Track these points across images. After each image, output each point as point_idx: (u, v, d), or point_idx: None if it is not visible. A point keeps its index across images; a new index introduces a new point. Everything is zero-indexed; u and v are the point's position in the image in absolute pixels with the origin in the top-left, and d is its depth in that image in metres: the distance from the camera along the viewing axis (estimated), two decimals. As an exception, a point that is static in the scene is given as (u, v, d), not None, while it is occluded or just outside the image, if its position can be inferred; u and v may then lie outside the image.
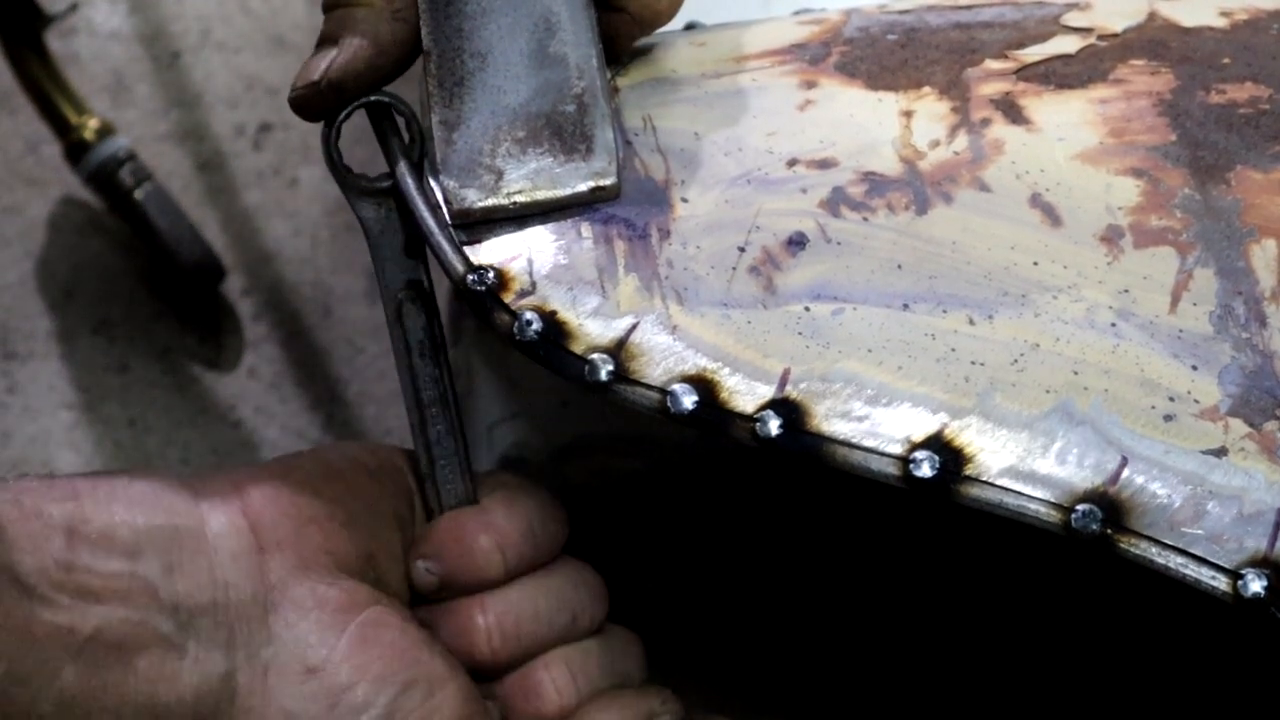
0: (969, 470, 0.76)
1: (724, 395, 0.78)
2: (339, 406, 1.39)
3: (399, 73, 0.84)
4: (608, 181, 0.82)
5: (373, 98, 0.84)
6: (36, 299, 1.42)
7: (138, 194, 1.43)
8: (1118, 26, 0.89)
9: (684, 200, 0.82)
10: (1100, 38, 0.88)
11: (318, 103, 0.83)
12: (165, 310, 1.42)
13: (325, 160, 0.85)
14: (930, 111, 0.85)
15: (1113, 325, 0.79)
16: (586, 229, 0.81)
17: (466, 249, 0.82)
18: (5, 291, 1.42)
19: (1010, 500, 0.76)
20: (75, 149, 1.43)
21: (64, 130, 1.44)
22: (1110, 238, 0.81)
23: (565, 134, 0.83)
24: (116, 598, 0.77)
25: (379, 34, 0.82)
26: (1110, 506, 0.75)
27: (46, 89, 1.44)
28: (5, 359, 1.40)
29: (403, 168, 0.83)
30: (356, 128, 0.85)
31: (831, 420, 0.78)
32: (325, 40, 0.83)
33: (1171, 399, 0.77)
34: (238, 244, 1.45)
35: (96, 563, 0.77)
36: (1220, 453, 0.76)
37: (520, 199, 0.82)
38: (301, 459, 0.86)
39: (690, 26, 0.93)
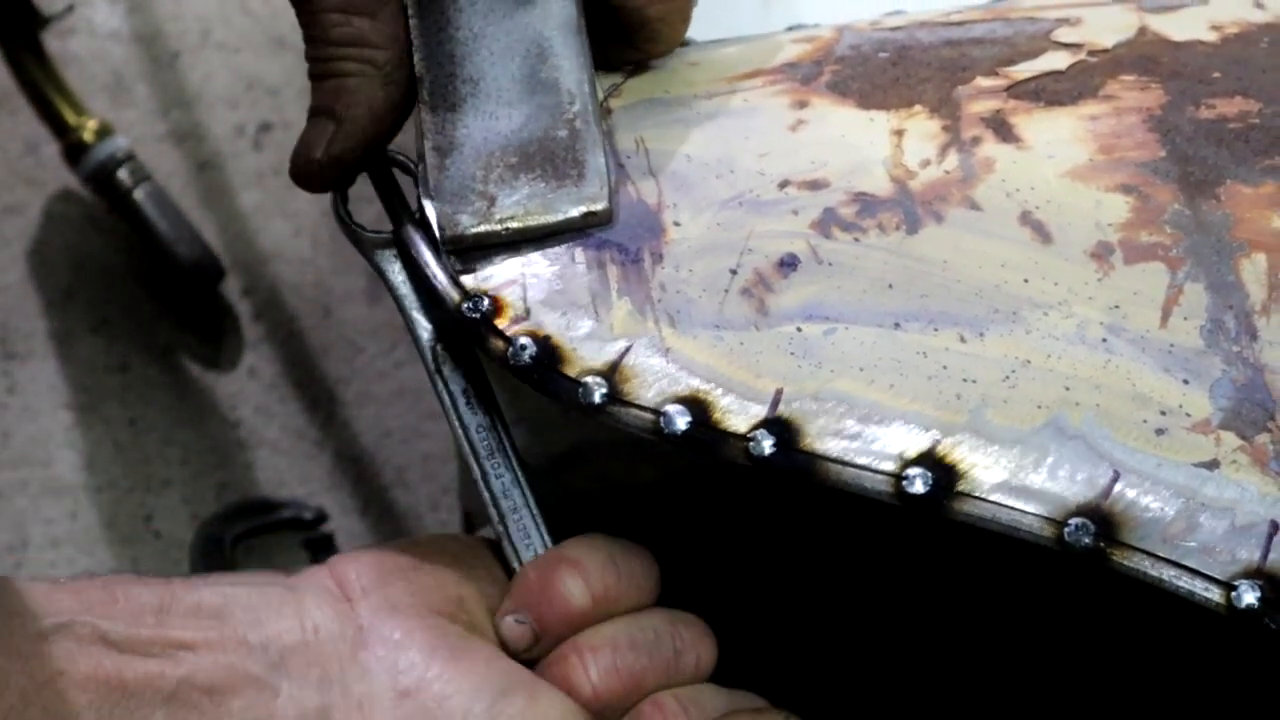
0: (961, 486, 0.77)
1: (717, 415, 0.78)
2: (339, 406, 1.39)
3: (395, 134, 0.85)
4: (599, 207, 0.82)
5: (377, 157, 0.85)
6: (36, 299, 1.43)
7: (137, 194, 1.43)
8: (1108, 42, 0.88)
9: (676, 224, 0.82)
10: (1091, 53, 0.88)
11: (322, 178, 0.84)
12: (165, 310, 1.42)
13: (337, 223, 0.85)
14: (921, 130, 0.85)
15: (1104, 341, 0.79)
16: (580, 254, 0.82)
17: (460, 276, 0.82)
18: (5, 291, 1.42)
19: (1003, 515, 0.76)
20: (74, 149, 1.44)
21: (62, 131, 1.44)
22: (1100, 254, 0.81)
23: (557, 159, 0.83)
24: (206, 647, 0.77)
25: (373, 103, 0.83)
26: (1103, 520, 0.76)
27: (44, 90, 1.44)
28: (5, 359, 1.40)
29: (406, 224, 0.84)
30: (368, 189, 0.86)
31: (824, 439, 0.78)
32: (321, 112, 0.83)
33: (1163, 413, 0.77)
34: (238, 244, 1.45)
35: (186, 625, 0.77)
36: (1212, 465, 0.76)
37: (513, 225, 0.82)
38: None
39: (684, 43, 0.93)
